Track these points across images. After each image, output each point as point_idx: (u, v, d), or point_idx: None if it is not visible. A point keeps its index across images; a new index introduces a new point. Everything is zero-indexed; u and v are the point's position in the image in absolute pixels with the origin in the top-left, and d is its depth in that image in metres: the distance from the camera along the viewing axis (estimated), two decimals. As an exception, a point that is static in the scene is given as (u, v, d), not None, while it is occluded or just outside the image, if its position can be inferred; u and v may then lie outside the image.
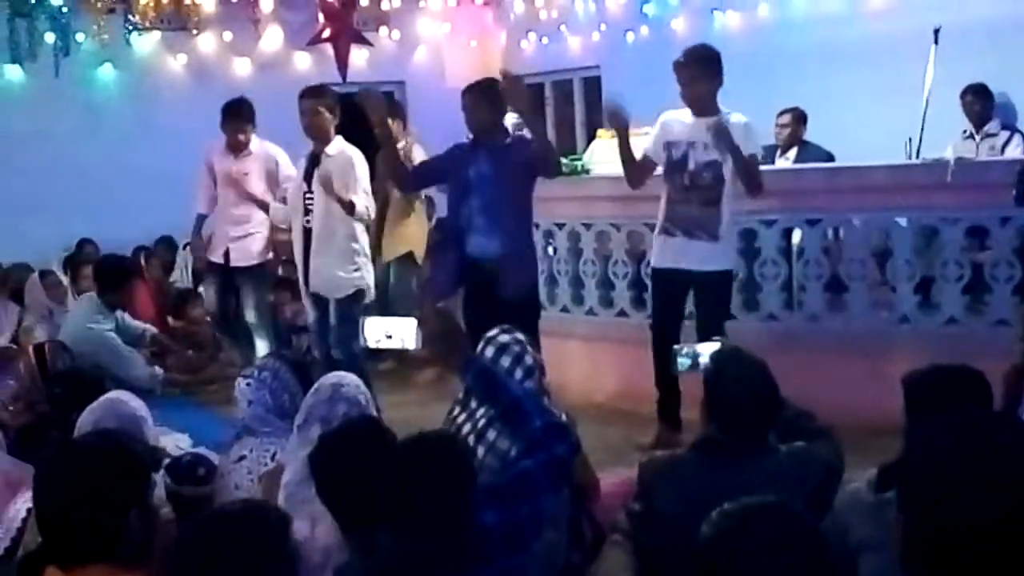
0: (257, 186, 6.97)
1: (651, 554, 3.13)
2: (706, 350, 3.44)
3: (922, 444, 1.67)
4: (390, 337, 3.04)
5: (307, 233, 6.04)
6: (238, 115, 6.95)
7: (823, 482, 2.98)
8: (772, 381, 3.04)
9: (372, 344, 3.19)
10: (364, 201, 5.92)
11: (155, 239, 9.25)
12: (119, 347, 7.02)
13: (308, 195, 6.04)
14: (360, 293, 6.05)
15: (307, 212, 6.04)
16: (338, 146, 5.97)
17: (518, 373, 3.60)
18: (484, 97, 5.42)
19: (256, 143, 7.00)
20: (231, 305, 7.31)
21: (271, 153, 7.00)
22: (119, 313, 7.20)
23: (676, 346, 3.71)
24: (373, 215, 6.21)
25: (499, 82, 5.41)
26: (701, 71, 5.44)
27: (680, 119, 5.56)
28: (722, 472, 2.85)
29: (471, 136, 5.56)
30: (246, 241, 7.06)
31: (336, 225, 5.92)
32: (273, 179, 6.97)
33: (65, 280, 8.11)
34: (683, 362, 3.58)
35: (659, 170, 5.66)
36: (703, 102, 5.45)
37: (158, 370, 7.27)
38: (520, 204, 5.48)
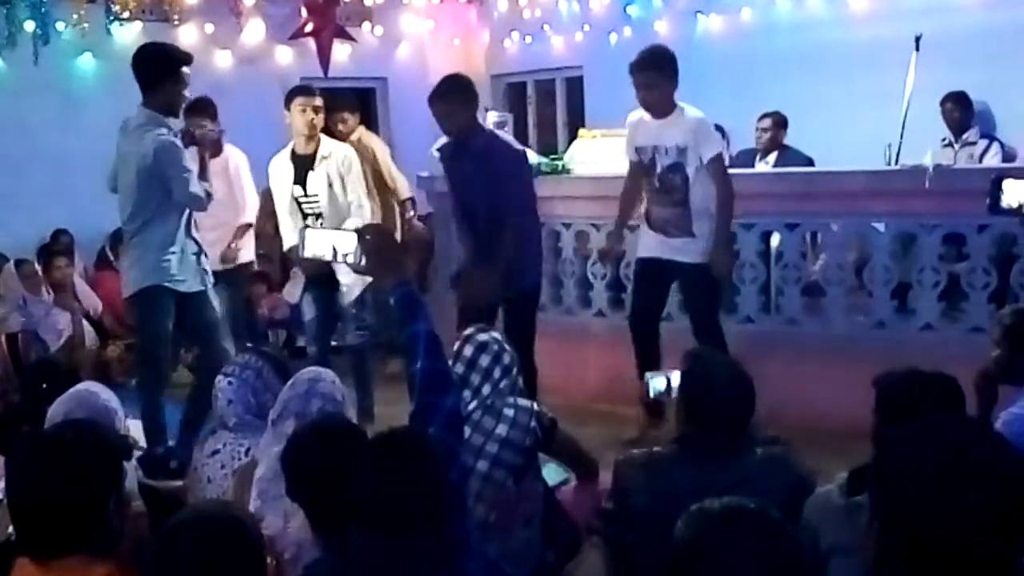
0: (227, 187, 7.05)
1: (627, 551, 3.14)
2: (676, 376, 3.44)
3: (895, 449, 1.68)
4: (332, 250, 3.01)
5: None
6: (195, 110, 7.11)
7: (796, 490, 2.99)
8: (749, 380, 3.07)
9: (311, 255, 3.14)
10: (368, 206, 6.00)
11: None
12: (187, 158, 5.40)
13: (304, 199, 5.90)
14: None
15: (305, 216, 5.90)
16: (330, 144, 5.93)
17: (496, 371, 3.62)
18: (452, 98, 5.36)
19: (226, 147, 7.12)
20: (227, 311, 7.36)
21: (234, 159, 7.15)
22: (173, 121, 5.51)
23: (648, 373, 3.73)
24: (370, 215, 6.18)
25: (465, 79, 5.51)
26: (654, 77, 5.46)
27: (644, 122, 5.61)
28: (699, 470, 2.88)
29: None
30: (215, 248, 7.07)
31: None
32: (236, 173, 7.13)
33: (40, 270, 8.06)
34: (656, 387, 3.60)
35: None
36: (659, 106, 5.51)
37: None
38: (504, 202, 5.45)
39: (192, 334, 5.72)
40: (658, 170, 5.54)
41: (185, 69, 5.36)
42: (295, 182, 5.91)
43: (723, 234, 5.49)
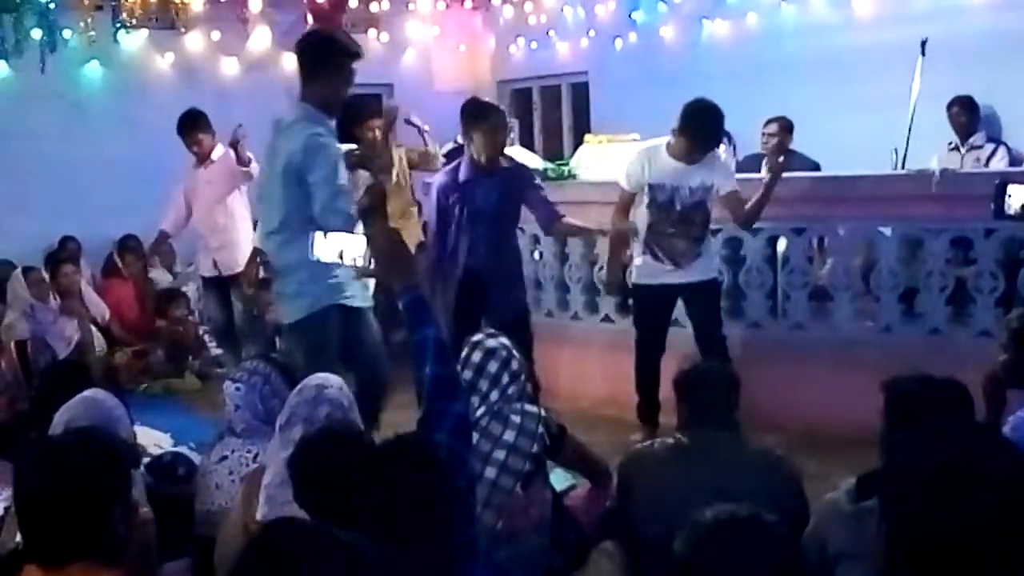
0: (223, 189, 7.08)
1: (641, 544, 3.16)
2: None
3: (903, 454, 1.68)
4: (341, 254, 3.00)
5: None
6: (193, 126, 7.14)
7: (793, 494, 3.03)
8: (732, 370, 3.40)
9: (322, 260, 3.12)
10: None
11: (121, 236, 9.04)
12: (340, 168, 4.62)
13: None
14: None
15: None
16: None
17: (505, 377, 3.61)
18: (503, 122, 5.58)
19: (219, 151, 7.17)
20: (232, 315, 7.33)
21: (228, 151, 7.11)
22: (333, 124, 4.82)
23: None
24: None
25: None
26: (701, 150, 5.46)
27: (662, 160, 5.55)
28: (699, 457, 3.03)
29: (480, 160, 5.47)
30: (229, 249, 7.13)
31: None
32: (235, 172, 7.08)
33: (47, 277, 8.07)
34: None
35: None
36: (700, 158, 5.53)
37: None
38: (516, 224, 5.82)
39: (352, 358, 4.70)
40: (677, 207, 5.53)
41: (354, 64, 4.70)
42: None
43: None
